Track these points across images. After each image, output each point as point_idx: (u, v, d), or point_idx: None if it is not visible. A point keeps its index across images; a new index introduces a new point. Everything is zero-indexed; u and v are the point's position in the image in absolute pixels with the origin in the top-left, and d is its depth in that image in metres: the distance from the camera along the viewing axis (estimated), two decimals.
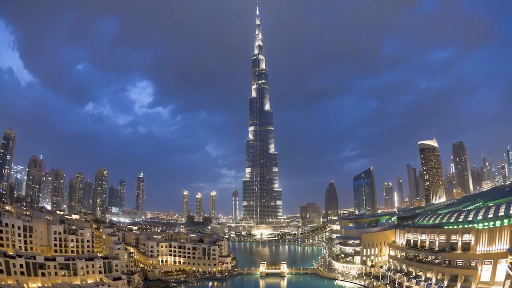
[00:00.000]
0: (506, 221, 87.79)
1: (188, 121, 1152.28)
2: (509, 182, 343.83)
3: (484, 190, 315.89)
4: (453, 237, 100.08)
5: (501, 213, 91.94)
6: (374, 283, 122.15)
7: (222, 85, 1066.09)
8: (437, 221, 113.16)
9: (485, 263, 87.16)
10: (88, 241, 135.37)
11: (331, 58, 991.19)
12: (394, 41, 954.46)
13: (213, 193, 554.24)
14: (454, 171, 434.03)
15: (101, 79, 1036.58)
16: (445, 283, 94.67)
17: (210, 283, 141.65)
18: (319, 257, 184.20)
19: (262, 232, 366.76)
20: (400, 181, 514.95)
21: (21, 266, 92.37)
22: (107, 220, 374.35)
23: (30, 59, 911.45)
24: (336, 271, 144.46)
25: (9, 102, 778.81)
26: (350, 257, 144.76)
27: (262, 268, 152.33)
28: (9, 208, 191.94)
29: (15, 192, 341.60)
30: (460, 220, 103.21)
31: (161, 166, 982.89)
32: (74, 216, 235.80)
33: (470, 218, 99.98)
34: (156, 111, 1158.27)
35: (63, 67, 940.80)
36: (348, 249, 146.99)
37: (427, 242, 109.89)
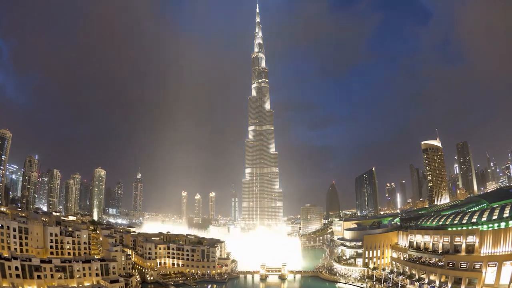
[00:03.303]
0: (511, 222, 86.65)
1: None
2: None
3: (489, 191, 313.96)
4: (457, 239, 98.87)
5: (506, 215, 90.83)
6: (377, 285, 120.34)
7: None
8: (440, 223, 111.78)
9: (490, 265, 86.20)
10: (84, 243, 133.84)
11: None
12: None
13: (212, 194, 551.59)
14: (458, 172, 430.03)
15: None
16: (449, 285, 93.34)
17: (209, 286, 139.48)
18: (320, 259, 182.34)
19: None
20: (403, 181, 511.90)
21: (16, 268, 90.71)
22: (104, 221, 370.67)
23: None
24: (337, 274, 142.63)
25: None
26: (352, 259, 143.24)
27: (262, 271, 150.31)
28: (4, 210, 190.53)
29: (10, 193, 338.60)
30: (464, 221, 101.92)
31: None
32: (71, 218, 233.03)
33: (474, 220, 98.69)
34: None
35: None
36: (350, 251, 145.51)
37: (431, 244, 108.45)
